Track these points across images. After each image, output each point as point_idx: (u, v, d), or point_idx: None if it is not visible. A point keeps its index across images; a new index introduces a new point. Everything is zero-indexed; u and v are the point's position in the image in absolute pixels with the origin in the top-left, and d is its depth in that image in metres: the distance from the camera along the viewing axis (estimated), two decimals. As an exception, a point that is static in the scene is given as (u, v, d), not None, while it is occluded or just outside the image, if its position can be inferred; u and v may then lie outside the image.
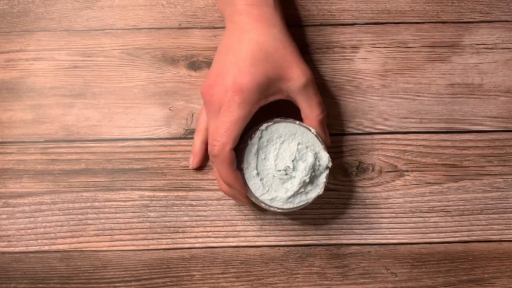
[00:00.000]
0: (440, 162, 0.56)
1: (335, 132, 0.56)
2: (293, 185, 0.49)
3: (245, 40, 0.49)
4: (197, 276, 0.54)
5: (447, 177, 0.55)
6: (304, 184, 0.49)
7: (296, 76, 0.50)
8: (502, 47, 0.57)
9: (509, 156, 0.56)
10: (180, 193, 0.55)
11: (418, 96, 0.57)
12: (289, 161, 0.49)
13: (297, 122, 0.50)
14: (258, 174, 0.49)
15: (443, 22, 0.58)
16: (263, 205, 0.50)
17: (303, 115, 0.52)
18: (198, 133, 0.55)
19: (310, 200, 0.50)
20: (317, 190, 0.50)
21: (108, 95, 0.57)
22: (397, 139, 0.56)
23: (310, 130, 0.50)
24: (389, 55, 0.57)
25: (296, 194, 0.50)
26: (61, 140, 0.56)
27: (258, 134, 0.49)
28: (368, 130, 0.56)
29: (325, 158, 0.50)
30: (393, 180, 0.55)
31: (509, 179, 0.55)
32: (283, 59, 0.50)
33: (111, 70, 0.57)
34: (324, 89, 0.56)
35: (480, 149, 0.56)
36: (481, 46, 0.57)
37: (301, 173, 0.49)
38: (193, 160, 0.55)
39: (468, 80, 0.57)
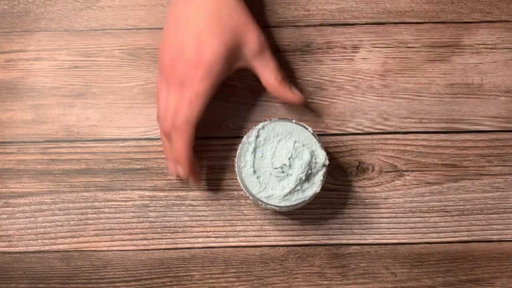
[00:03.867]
0: (440, 162, 0.56)
1: (335, 132, 0.56)
2: (289, 183, 0.49)
3: (195, 8, 0.49)
4: (197, 276, 0.54)
5: (447, 177, 0.56)
6: (301, 182, 0.50)
7: (251, 41, 0.50)
8: (502, 47, 0.57)
9: (509, 156, 0.56)
10: (180, 193, 0.55)
11: (418, 96, 0.57)
12: (285, 159, 0.49)
13: (294, 121, 0.50)
14: (255, 172, 0.50)
15: (443, 22, 0.58)
16: (259, 202, 0.50)
17: (263, 81, 0.52)
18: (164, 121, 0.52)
19: (307, 198, 0.50)
20: (314, 188, 0.50)
21: (108, 95, 0.57)
22: (397, 139, 0.56)
23: (307, 129, 0.50)
24: (389, 55, 0.57)
25: (293, 191, 0.50)
26: (62, 140, 0.56)
27: (255, 132, 0.50)
28: (368, 130, 0.56)
29: (322, 156, 0.50)
30: (393, 180, 0.55)
31: (509, 179, 0.55)
32: (236, 24, 0.50)
33: (111, 70, 0.57)
34: (324, 89, 0.56)
35: (480, 149, 0.56)
36: (481, 46, 0.57)
37: (297, 170, 0.49)
38: (183, 168, 0.52)
39: (468, 80, 0.57)
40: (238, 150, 0.50)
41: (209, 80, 0.49)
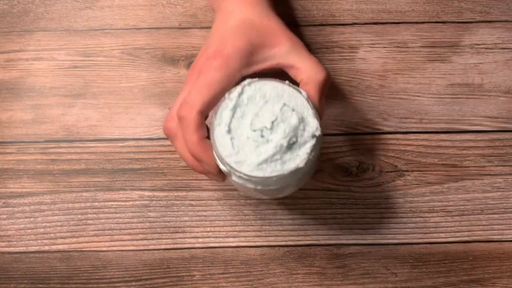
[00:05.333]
0: (440, 162, 0.56)
1: (335, 132, 0.56)
2: (267, 148, 0.41)
3: (230, 19, 0.48)
4: (197, 276, 0.54)
5: (448, 177, 0.55)
6: (281, 150, 0.41)
7: (283, 41, 0.47)
8: (502, 47, 0.57)
9: (509, 156, 0.56)
10: (180, 193, 0.55)
11: (418, 96, 0.57)
12: (268, 121, 0.41)
13: (287, 82, 0.43)
14: (229, 131, 0.42)
15: (443, 22, 0.58)
16: (226, 168, 0.42)
17: (301, 77, 0.46)
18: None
19: (285, 172, 0.41)
20: (296, 161, 0.41)
21: (108, 95, 0.57)
22: (397, 139, 0.56)
23: (301, 93, 0.43)
24: (388, 55, 0.57)
25: (269, 160, 0.41)
26: (61, 140, 0.56)
27: (238, 89, 0.43)
28: (368, 130, 0.56)
29: (312, 125, 0.42)
30: (394, 180, 0.55)
31: (510, 179, 0.55)
32: (267, 28, 0.47)
33: (111, 70, 0.57)
34: (324, 89, 0.56)
35: (480, 149, 0.56)
36: (481, 46, 0.57)
37: (279, 135, 0.41)
38: (216, 173, 0.46)
39: (468, 80, 0.57)
40: (215, 107, 0.43)
41: (223, 70, 0.45)
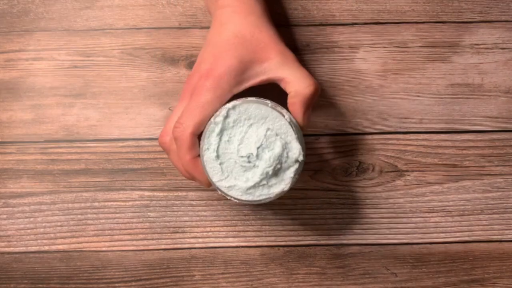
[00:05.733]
0: (440, 162, 0.56)
1: (335, 132, 0.56)
2: (254, 175, 0.44)
3: (223, 31, 0.49)
4: (197, 276, 0.54)
5: (448, 177, 0.55)
6: (267, 176, 0.44)
7: (273, 55, 0.48)
8: (502, 47, 0.57)
9: (509, 156, 0.56)
10: (180, 193, 0.55)
11: (418, 96, 0.57)
12: (253, 148, 0.44)
13: (270, 104, 0.45)
14: (218, 157, 0.45)
15: (443, 22, 0.58)
16: (219, 192, 0.46)
17: (290, 90, 0.48)
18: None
19: (272, 196, 0.45)
20: (281, 185, 0.45)
21: (108, 95, 0.57)
22: (397, 139, 0.56)
23: (284, 116, 0.45)
24: (389, 55, 0.57)
25: (257, 185, 0.45)
26: (61, 140, 0.56)
27: (224, 112, 0.45)
28: (368, 130, 0.56)
29: (295, 150, 0.44)
30: (394, 180, 0.55)
31: (510, 179, 0.55)
32: (258, 41, 0.48)
33: (111, 70, 0.57)
34: (323, 89, 0.56)
35: (480, 149, 0.56)
36: (481, 46, 0.57)
37: (265, 163, 0.44)
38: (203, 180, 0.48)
39: (468, 80, 0.57)
40: (204, 130, 0.45)
41: (215, 91, 0.47)
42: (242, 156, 0.44)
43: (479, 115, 0.56)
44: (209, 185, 0.47)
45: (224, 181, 0.45)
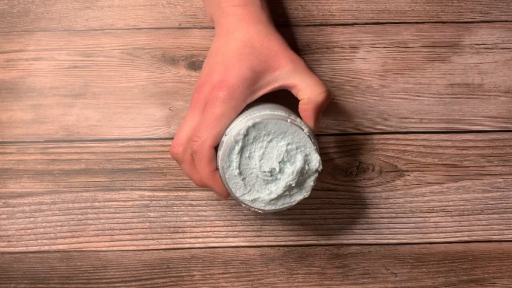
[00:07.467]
0: (440, 162, 0.56)
1: (335, 132, 0.56)
2: (277, 188, 0.46)
3: (231, 40, 0.49)
4: (197, 276, 0.54)
5: (447, 177, 0.55)
6: (290, 188, 0.46)
7: (284, 63, 0.48)
8: (502, 47, 0.57)
9: (509, 156, 0.56)
10: (180, 193, 0.55)
11: (418, 96, 0.57)
12: (275, 163, 0.45)
13: (289, 119, 0.46)
14: (240, 173, 0.46)
15: (443, 22, 0.58)
16: (243, 205, 0.47)
17: (302, 97, 0.48)
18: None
19: (294, 203, 0.47)
20: (303, 193, 0.47)
21: (108, 95, 0.57)
22: (397, 139, 0.56)
23: (303, 130, 0.46)
24: (389, 55, 0.57)
25: (280, 197, 0.46)
26: (61, 140, 0.56)
27: (243, 131, 0.45)
28: (368, 130, 0.56)
29: (315, 162, 0.46)
30: (393, 180, 0.55)
31: (510, 179, 0.55)
32: (268, 50, 0.49)
33: (111, 70, 0.57)
34: (324, 89, 0.56)
35: (480, 149, 0.56)
36: (481, 46, 0.57)
37: (288, 177, 0.45)
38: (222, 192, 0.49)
39: (468, 80, 0.57)
40: (223, 147, 0.46)
41: (230, 102, 0.47)
42: (264, 171, 0.46)
43: (479, 115, 0.56)
44: (227, 197, 0.48)
45: (247, 195, 0.46)
